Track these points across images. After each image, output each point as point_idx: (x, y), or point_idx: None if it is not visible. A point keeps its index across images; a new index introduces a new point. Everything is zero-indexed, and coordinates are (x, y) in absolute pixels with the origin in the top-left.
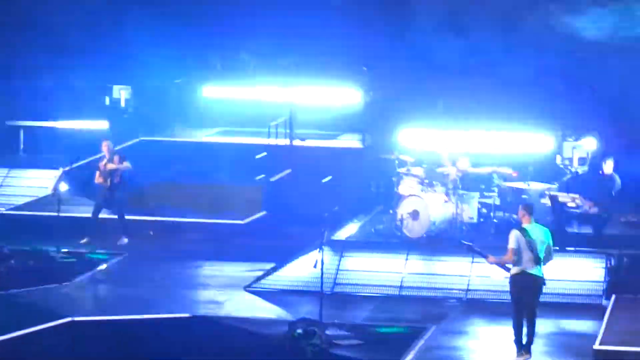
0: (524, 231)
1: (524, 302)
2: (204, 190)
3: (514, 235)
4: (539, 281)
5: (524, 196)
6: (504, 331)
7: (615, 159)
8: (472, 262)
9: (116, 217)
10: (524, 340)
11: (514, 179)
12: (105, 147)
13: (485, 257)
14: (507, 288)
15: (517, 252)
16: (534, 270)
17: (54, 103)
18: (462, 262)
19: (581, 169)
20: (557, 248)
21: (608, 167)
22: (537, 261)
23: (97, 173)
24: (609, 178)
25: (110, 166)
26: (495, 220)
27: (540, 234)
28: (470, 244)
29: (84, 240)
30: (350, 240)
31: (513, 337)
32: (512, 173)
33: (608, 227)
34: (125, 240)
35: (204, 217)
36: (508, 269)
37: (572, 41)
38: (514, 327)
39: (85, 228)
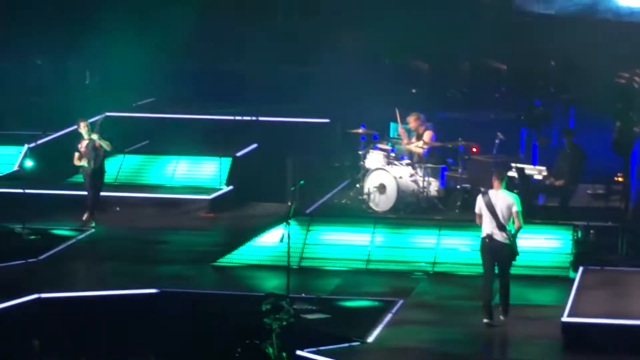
0: (486, 197)
1: (493, 266)
2: (171, 165)
3: (478, 201)
4: (504, 247)
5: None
6: (471, 303)
7: (581, 131)
8: (439, 235)
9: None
10: (500, 302)
11: (480, 153)
12: (84, 126)
13: None
14: (471, 262)
15: (481, 216)
16: (497, 236)
17: (18, 80)
18: (428, 235)
19: (547, 142)
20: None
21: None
22: (501, 227)
23: (77, 155)
24: (575, 150)
25: (99, 143)
26: (463, 193)
27: (504, 200)
28: None
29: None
30: (317, 215)
31: (482, 303)
32: (473, 148)
33: (575, 199)
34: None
35: (170, 192)
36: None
37: None
38: (481, 292)
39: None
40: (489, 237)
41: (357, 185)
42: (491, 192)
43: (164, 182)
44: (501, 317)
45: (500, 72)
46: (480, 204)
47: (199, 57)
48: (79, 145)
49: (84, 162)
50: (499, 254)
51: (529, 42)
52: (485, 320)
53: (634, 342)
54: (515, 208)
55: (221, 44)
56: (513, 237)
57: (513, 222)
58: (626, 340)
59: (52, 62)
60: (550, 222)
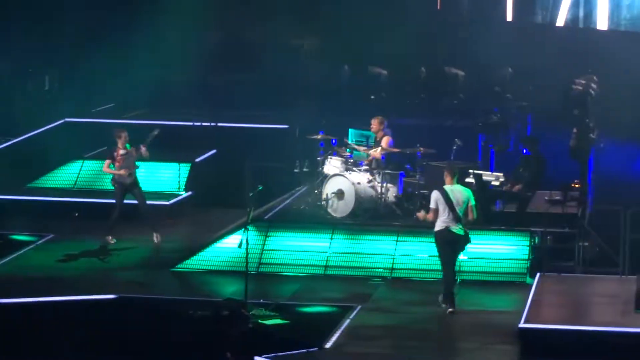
0: (443, 192)
1: (452, 255)
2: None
3: (434, 196)
4: (460, 238)
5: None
6: (428, 309)
7: (539, 137)
8: (397, 241)
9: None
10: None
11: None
12: (126, 137)
13: (417, 212)
14: (429, 267)
15: (437, 211)
16: (454, 228)
17: None
18: (386, 241)
19: (504, 148)
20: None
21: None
22: (457, 220)
23: (108, 162)
24: (533, 156)
25: (145, 153)
26: (421, 199)
27: (460, 194)
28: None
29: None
30: (275, 220)
31: (444, 290)
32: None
33: (532, 205)
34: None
35: (129, 198)
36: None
37: None
38: (443, 281)
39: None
40: (446, 229)
41: (316, 191)
42: (447, 187)
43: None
44: (449, 310)
45: (457, 78)
46: (437, 198)
47: (158, 63)
48: (115, 154)
49: (123, 172)
50: (454, 244)
51: (486, 50)
52: (449, 310)
53: (590, 348)
54: (471, 201)
55: (179, 51)
56: (466, 228)
57: (467, 215)
58: (583, 346)
59: (11, 68)
60: (507, 228)
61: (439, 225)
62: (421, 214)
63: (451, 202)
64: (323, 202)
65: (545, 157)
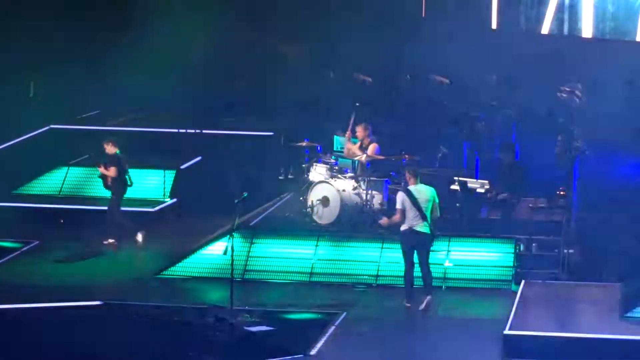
0: (409, 192)
1: (413, 255)
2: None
3: (399, 197)
4: (427, 237)
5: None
6: (414, 315)
7: (523, 145)
8: (382, 248)
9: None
10: (424, 284)
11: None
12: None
13: (379, 220)
14: (416, 274)
15: (403, 211)
16: (420, 227)
17: None
18: (371, 248)
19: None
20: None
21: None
22: (424, 218)
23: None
24: (518, 164)
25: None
26: None
27: (425, 193)
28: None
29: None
30: (260, 227)
31: (405, 287)
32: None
33: (517, 212)
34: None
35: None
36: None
37: None
38: (404, 279)
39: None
40: (410, 230)
41: (301, 199)
42: (411, 188)
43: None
44: (428, 297)
45: (442, 85)
46: (403, 199)
47: (144, 70)
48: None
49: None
50: (421, 243)
51: (469, 56)
52: (407, 304)
53: (575, 355)
54: (436, 199)
55: (165, 58)
56: (432, 226)
57: (432, 212)
58: (568, 353)
59: None
60: (492, 236)
61: (404, 226)
62: (384, 221)
63: (417, 202)
64: (308, 209)
65: (519, 164)
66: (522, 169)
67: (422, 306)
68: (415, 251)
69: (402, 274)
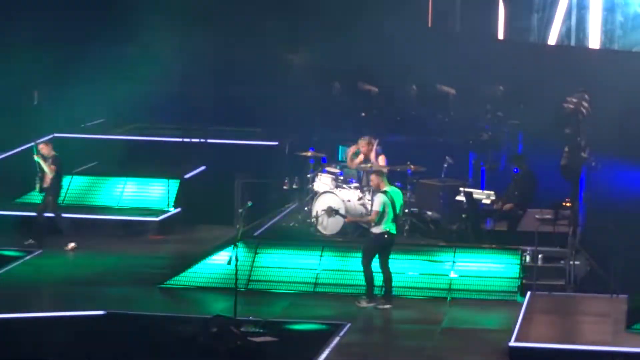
0: (387, 194)
1: (377, 256)
2: (119, 187)
3: (381, 199)
4: (394, 238)
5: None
6: (419, 327)
7: (529, 156)
8: None
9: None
10: (385, 290)
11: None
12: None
13: (344, 217)
14: (419, 285)
15: (382, 214)
16: (393, 229)
17: None
18: (376, 259)
19: (495, 166)
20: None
21: (522, 164)
22: (395, 220)
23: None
24: (522, 174)
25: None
26: (411, 217)
27: (397, 196)
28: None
29: (71, 245)
30: (265, 238)
31: (367, 289)
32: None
33: (523, 223)
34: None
35: (118, 214)
36: (366, 228)
37: None
38: (367, 279)
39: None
40: (387, 232)
41: (305, 209)
42: (388, 190)
43: (112, 203)
44: (387, 306)
45: (448, 96)
46: (385, 202)
47: (148, 79)
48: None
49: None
50: (390, 244)
51: (477, 67)
52: (368, 304)
53: None
54: (402, 203)
55: (170, 66)
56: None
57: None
58: None
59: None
60: (498, 247)
61: (379, 229)
62: (350, 218)
63: (394, 204)
64: (313, 220)
65: (534, 174)
66: (534, 180)
67: (381, 306)
68: (378, 253)
69: (409, 284)
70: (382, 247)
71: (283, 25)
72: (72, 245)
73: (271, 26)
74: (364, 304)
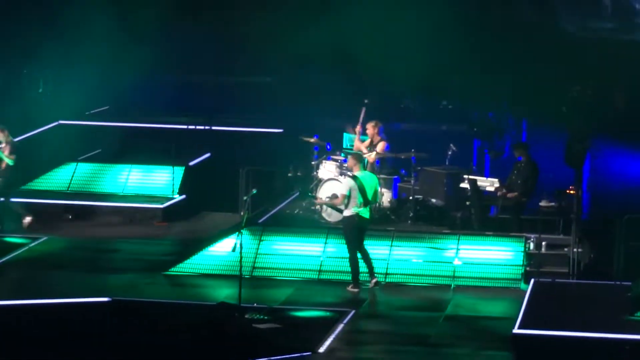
0: (356, 179)
1: (357, 240)
2: (123, 174)
3: (347, 183)
4: (368, 222)
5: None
6: (423, 314)
7: (534, 144)
8: (391, 245)
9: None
10: (367, 270)
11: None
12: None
13: (314, 198)
14: (423, 272)
15: (348, 197)
16: (364, 213)
17: None
18: (381, 246)
19: (499, 154)
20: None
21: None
22: (367, 204)
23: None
24: (530, 164)
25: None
26: (415, 204)
27: (369, 181)
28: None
29: (27, 219)
30: (269, 225)
31: (352, 273)
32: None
33: (527, 211)
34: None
35: (123, 201)
36: (340, 211)
37: None
38: (351, 264)
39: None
40: (357, 215)
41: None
42: (358, 175)
43: (116, 190)
44: (373, 282)
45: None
46: (351, 186)
47: (153, 66)
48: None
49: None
50: (364, 228)
51: (482, 54)
52: (355, 289)
53: (584, 354)
54: (377, 187)
55: (175, 54)
56: (372, 211)
57: (372, 199)
58: (576, 353)
59: (4, 70)
60: (502, 234)
61: (349, 212)
62: (321, 200)
63: (363, 189)
64: (317, 207)
65: (536, 162)
66: (536, 168)
67: (371, 285)
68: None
69: (413, 271)
70: (355, 229)
71: (291, 11)
72: (28, 219)
73: (279, 12)
74: (350, 288)
